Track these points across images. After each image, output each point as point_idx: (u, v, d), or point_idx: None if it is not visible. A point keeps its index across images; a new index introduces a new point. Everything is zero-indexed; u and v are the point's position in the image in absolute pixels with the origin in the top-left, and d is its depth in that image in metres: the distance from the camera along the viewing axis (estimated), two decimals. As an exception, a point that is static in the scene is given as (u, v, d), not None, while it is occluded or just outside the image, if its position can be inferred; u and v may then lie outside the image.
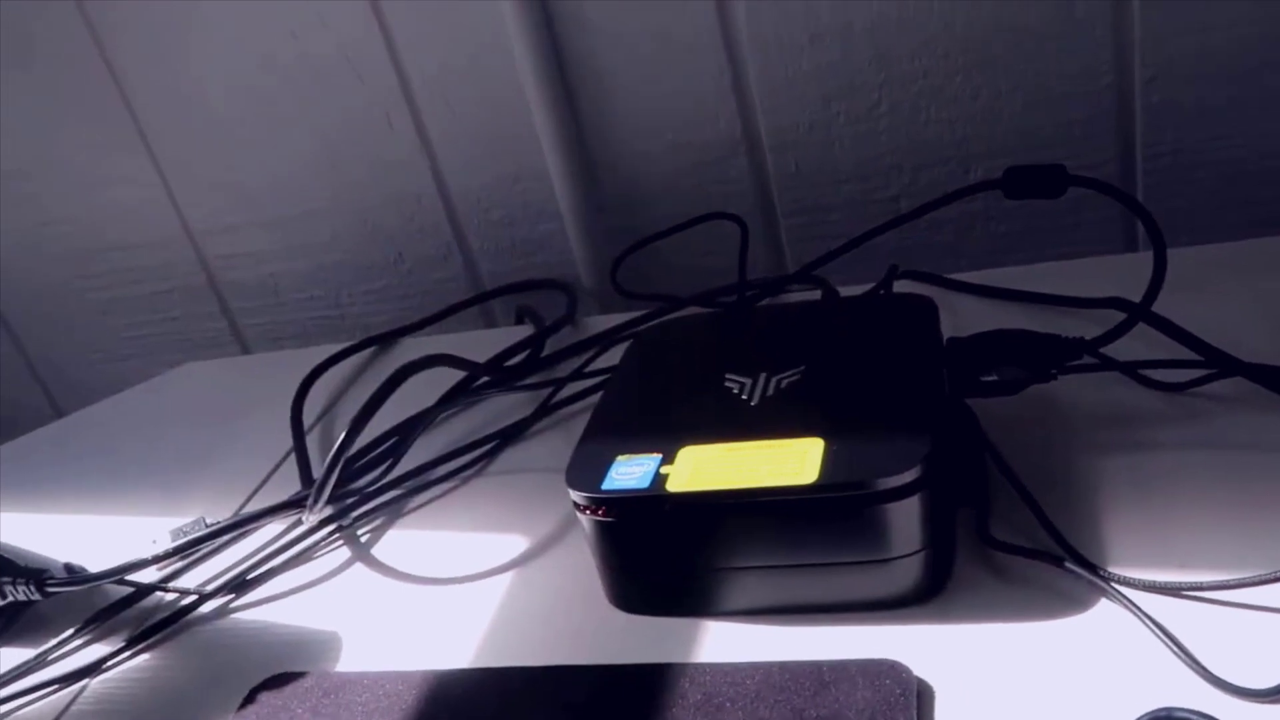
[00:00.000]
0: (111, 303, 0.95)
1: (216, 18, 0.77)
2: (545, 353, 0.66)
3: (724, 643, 0.41)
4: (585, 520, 0.42)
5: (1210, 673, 0.33)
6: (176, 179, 0.86)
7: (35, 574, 0.52)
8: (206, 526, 0.55)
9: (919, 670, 0.36)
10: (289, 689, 0.44)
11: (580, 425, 0.46)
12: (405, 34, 0.75)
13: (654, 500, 0.40)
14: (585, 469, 0.42)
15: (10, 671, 0.50)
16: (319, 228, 0.85)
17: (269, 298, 0.90)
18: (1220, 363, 0.44)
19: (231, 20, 0.77)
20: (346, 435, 0.51)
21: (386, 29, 0.75)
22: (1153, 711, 0.30)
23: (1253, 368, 0.43)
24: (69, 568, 0.55)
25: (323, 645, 0.47)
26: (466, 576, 0.49)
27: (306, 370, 0.71)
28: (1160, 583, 0.37)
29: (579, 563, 0.47)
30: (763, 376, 0.45)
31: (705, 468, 0.40)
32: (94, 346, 0.99)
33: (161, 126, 0.84)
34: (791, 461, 0.39)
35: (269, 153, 0.82)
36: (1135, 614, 0.36)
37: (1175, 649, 0.34)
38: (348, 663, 0.46)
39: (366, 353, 0.76)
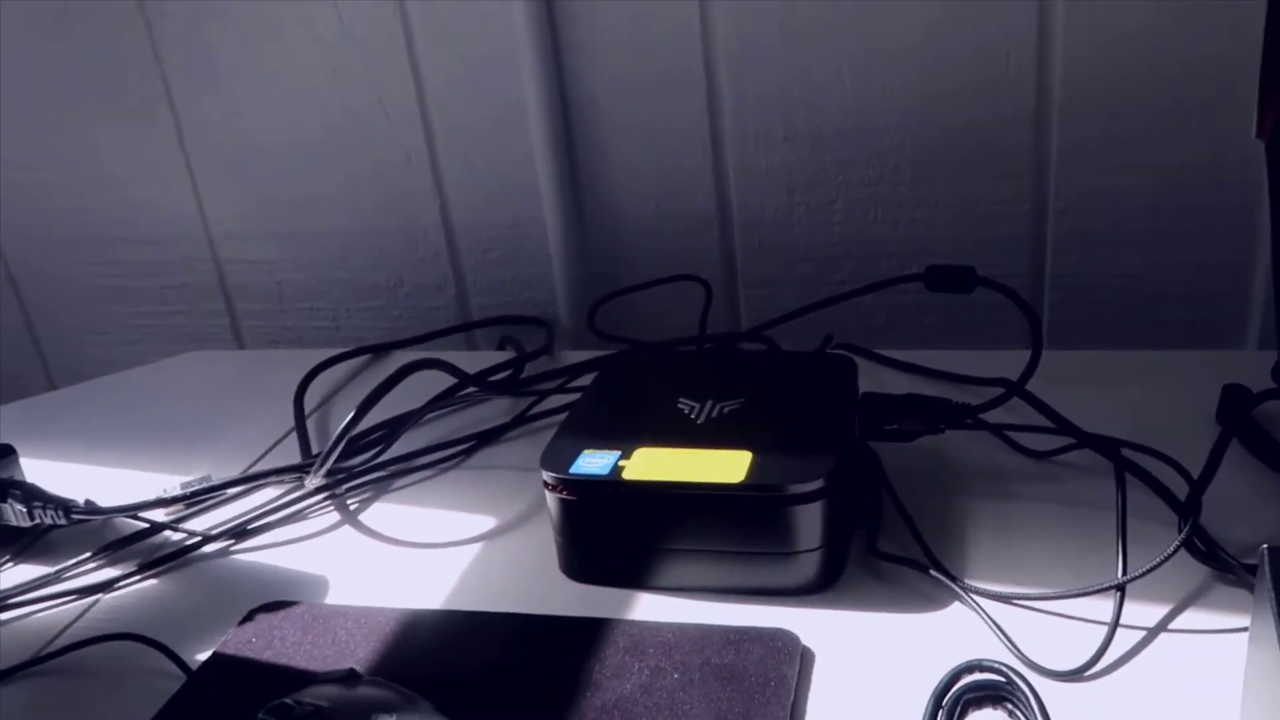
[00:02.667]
0: (123, 290, 1.03)
1: (269, 42, 0.87)
2: (524, 374, 0.76)
3: (653, 610, 0.50)
4: (552, 498, 0.51)
5: (1027, 657, 0.43)
6: (205, 182, 0.95)
7: (63, 502, 0.60)
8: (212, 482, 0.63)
9: (807, 640, 0.46)
10: (283, 612, 0.52)
11: (547, 437, 0.55)
12: (435, 85, 0.85)
13: (611, 484, 0.49)
14: (557, 456, 0.51)
15: (31, 581, 0.58)
16: (330, 245, 0.94)
17: (273, 302, 0.99)
18: (1068, 431, 0.55)
19: (283, 49, 0.87)
20: (355, 414, 0.60)
21: (420, 78, 0.85)
22: (967, 661, 0.39)
23: (1090, 436, 0.54)
24: (89, 503, 0.63)
25: (313, 584, 0.55)
26: (439, 543, 0.58)
27: (304, 368, 0.80)
28: (999, 592, 0.47)
29: (537, 541, 0.56)
30: (709, 402, 0.55)
31: (655, 464, 0.50)
32: (98, 329, 1.06)
33: (200, 132, 0.93)
34: (724, 466, 0.49)
35: (295, 171, 0.92)
36: (977, 612, 0.46)
37: (1003, 639, 0.44)
38: (334, 599, 0.54)
39: (359, 360, 0.85)
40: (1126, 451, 0.53)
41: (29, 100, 0.96)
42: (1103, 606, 0.45)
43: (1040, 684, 0.41)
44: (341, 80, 0.87)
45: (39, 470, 0.66)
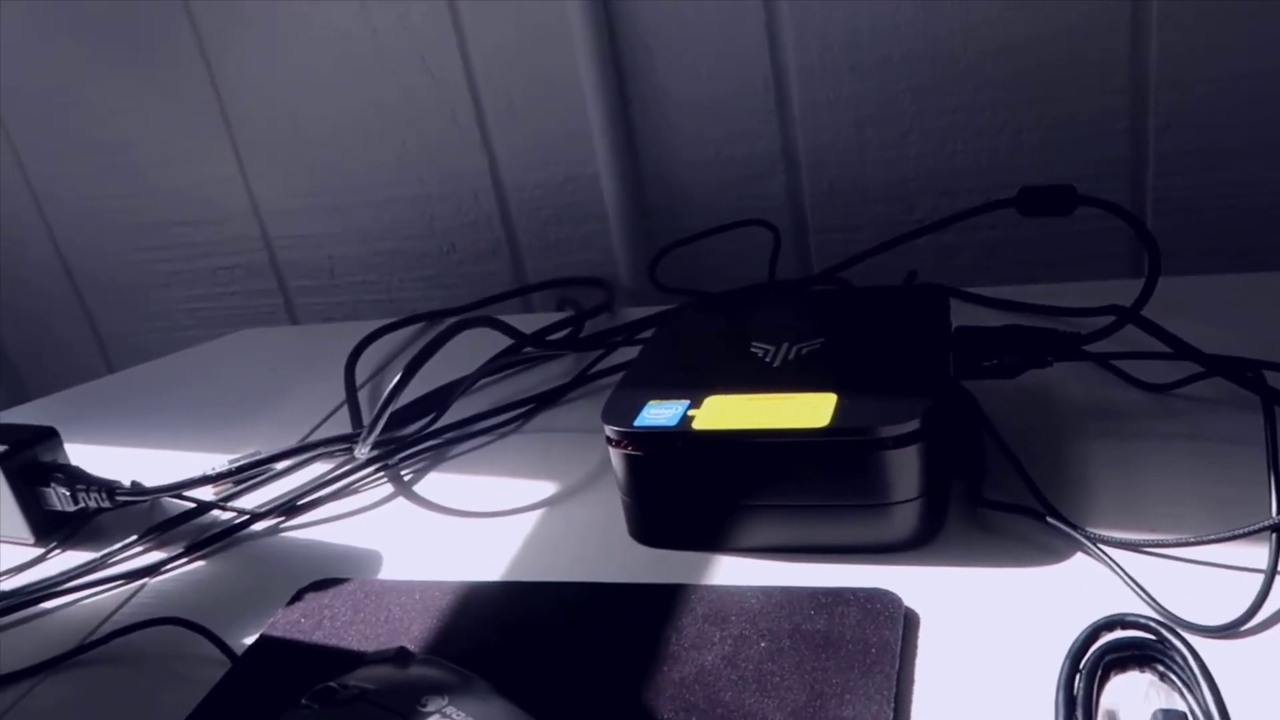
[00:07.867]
0: (174, 275, 1.01)
1: (305, 9, 0.84)
2: (584, 333, 0.71)
3: (733, 574, 0.45)
4: (616, 455, 0.46)
5: (1170, 612, 0.37)
6: (251, 160, 0.92)
7: (107, 484, 0.57)
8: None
9: (909, 601, 0.40)
10: (333, 590, 0.48)
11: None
12: (478, 38, 0.81)
13: (680, 436, 0.44)
14: (620, 408, 0.47)
15: (76, 568, 0.55)
16: (379, 215, 0.91)
17: (325, 278, 0.96)
18: (1190, 356, 0.49)
19: (319, 13, 0.84)
20: (400, 379, 0.56)
21: (461, 32, 0.81)
22: (1106, 617, 0.34)
23: (1222, 361, 0.48)
24: (135, 484, 0.60)
25: (365, 559, 0.52)
26: (499, 512, 0.53)
27: (355, 339, 0.76)
28: (1129, 540, 0.41)
29: (604, 505, 0.51)
30: (785, 345, 0.50)
31: (728, 413, 0.45)
32: (154, 316, 1.05)
33: (243, 108, 0.90)
34: (806, 410, 0.44)
35: (340, 141, 0.88)
36: (1105, 562, 0.40)
37: (1140, 592, 0.38)
38: (387, 575, 0.50)
39: (413, 328, 0.81)
40: (1269, 376, 0.46)
41: (68, 85, 0.94)
42: (1254, 552, 0.39)
43: (1192, 641, 0.35)
44: (382, 41, 0.83)
45: (88, 455, 0.64)
